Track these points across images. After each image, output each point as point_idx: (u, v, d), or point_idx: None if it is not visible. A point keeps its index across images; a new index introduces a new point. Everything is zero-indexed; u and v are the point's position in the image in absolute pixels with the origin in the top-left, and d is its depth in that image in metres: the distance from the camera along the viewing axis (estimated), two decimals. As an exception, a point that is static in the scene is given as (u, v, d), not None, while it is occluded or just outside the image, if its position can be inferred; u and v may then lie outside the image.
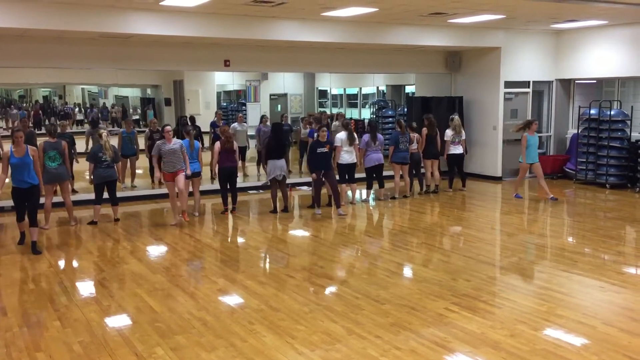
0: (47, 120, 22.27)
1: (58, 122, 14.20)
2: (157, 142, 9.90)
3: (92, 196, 10.12)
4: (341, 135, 10.96)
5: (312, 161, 10.51)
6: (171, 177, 9.72)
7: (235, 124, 14.08)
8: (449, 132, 12.48)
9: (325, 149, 10.36)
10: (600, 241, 8.69)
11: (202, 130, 14.46)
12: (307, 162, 10.58)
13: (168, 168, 9.69)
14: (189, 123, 13.64)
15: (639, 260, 7.95)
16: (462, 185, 12.98)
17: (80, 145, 12.64)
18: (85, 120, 23.36)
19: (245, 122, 14.95)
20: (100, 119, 23.96)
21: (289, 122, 16.18)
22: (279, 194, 10.87)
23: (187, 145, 10.18)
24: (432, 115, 12.59)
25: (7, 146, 13.05)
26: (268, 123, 13.83)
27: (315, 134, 11.23)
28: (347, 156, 10.97)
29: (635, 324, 5.56)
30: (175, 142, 9.76)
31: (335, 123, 15.76)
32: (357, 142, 11.16)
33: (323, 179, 10.50)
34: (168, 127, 9.88)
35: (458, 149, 12.59)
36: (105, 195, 9.98)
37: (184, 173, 9.77)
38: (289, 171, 12.16)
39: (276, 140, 10.67)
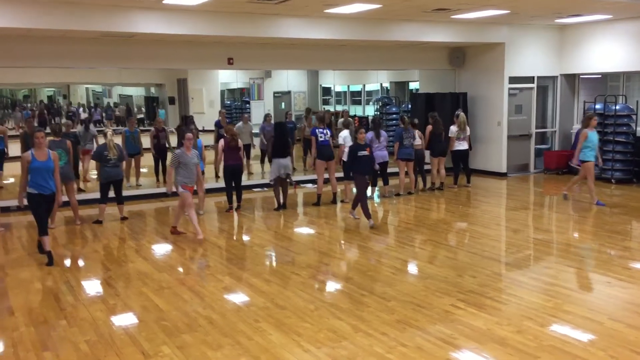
0: (52, 120, 22.36)
1: (63, 122, 14.23)
2: (176, 151, 9.03)
3: (98, 195, 10.13)
4: (344, 134, 11.04)
5: (354, 166, 9.65)
6: (191, 189, 8.97)
7: (240, 124, 14.12)
8: (453, 129, 12.47)
9: (366, 152, 9.56)
10: (607, 236, 8.66)
11: (206, 129, 14.51)
12: (346, 167, 10.02)
13: (186, 180, 8.81)
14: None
15: (646, 255, 7.91)
16: (466, 181, 12.96)
17: None
18: (90, 119, 23.40)
19: (250, 121, 14.95)
20: (105, 118, 23.99)
21: (293, 119, 16.18)
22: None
23: None
24: (436, 113, 12.58)
25: (13, 146, 13.20)
26: (272, 122, 13.86)
27: (322, 134, 11.22)
28: None
29: (643, 319, 5.54)
30: (194, 153, 8.95)
31: (341, 120, 15.76)
32: None
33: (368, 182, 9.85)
34: (190, 135, 9.05)
35: (463, 145, 12.57)
36: (112, 194, 10.00)
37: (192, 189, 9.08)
38: (294, 169, 12.17)
39: (280, 138, 10.69)
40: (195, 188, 10.43)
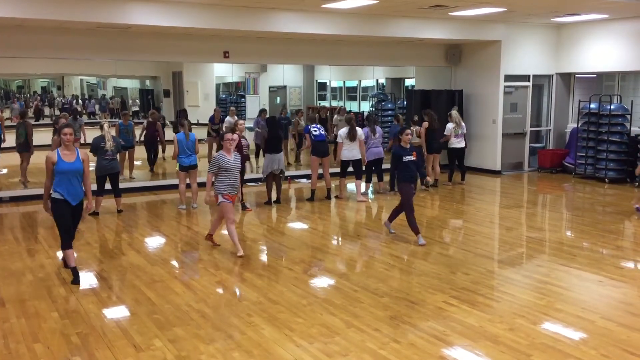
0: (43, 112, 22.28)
1: (61, 115, 14.32)
2: (215, 155, 7.76)
3: (94, 187, 10.08)
4: (343, 131, 10.93)
5: (399, 173, 8.18)
6: (233, 199, 7.76)
7: (228, 117, 14.15)
8: (449, 126, 12.47)
9: (413, 157, 8.15)
10: (599, 235, 8.69)
11: (201, 122, 14.52)
12: (390, 174, 8.40)
13: (229, 188, 7.58)
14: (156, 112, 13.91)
15: (638, 254, 7.95)
16: (461, 178, 12.97)
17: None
18: (84, 112, 23.31)
19: (238, 115, 14.92)
20: (99, 110, 23.94)
21: (288, 114, 16.17)
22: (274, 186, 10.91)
23: (182, 137, 10.17)
24: (430, 110, 12.57)
25: (9, 137, 13.15)
26: (267, 116, 13.87)
27: (315, 128, 11.18)
28: (346, 152, 10.92)
29: (634, 319, 5.57)
30: (235, 156, 7.71)
31: (336, 117, 15.73)
32: (361, 137, 11.02)
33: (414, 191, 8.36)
34: (230, 135, 7.79)
35: (460, 143, 12.59)
36: (108, 186, 9.96)
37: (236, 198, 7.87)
38: (288, 163, 12.17)
39: (273, 133, 10.68)
40: (188, 181, 10.47)
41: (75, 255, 6.90)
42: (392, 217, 8.72)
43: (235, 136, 7.91)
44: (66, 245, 6.62)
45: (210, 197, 7.70)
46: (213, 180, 7.64)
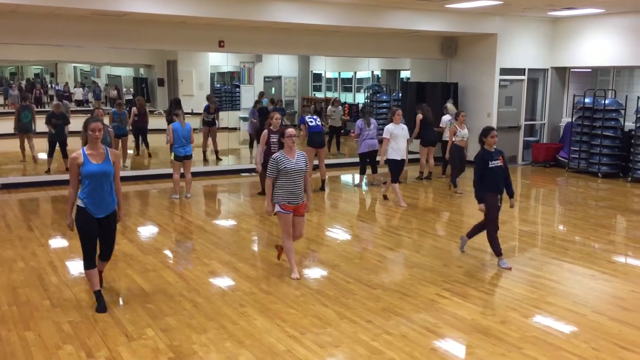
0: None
1: (54, 103, 14.32)
2: (274, 155, 6.39)
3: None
4: (390, 127, 10.01)
5: (482, 180, 6.87)
6: (297, 210, 6.47)
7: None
8: (445, 118, 12.43)
9: (499, 162, 6.92)
10: (592, 230, 8.72)
11: (195, 111, 14.51)
12: (474, 183, 6.96)
13: (289, 197, 6.30)
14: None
15: (630, 249, 7.99)
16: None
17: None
18: (83, 100, 23.18)
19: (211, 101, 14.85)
20: (93, 97, 23.81)
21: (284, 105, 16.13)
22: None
23: (178, 127, 10.11)
24: (424, 104, 12.51)
25: (3, 124, 13.12)
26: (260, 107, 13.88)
27: (311, 119, 11.13)
28: (391, 151, 10.03)
29: (625, 313, 5.60)
30: (300, 156, 6.40)
31: (330, 108, 15.70)
32: (407, 135, 10.19)
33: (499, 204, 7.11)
34: (291, 131, 6.40)
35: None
36: None
37: (306, 211, 6.60)
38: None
39: (264, 124, 10.64)
40: (182, 170, 10.40)
41: (100, 273, 5.84)
42: (471, 234, 7.45)
43: (292, 130, 6.49)
44: (87, 265, 5.50)
45: (269, 207, 6.42)
46: (272, 187, 6.36)
